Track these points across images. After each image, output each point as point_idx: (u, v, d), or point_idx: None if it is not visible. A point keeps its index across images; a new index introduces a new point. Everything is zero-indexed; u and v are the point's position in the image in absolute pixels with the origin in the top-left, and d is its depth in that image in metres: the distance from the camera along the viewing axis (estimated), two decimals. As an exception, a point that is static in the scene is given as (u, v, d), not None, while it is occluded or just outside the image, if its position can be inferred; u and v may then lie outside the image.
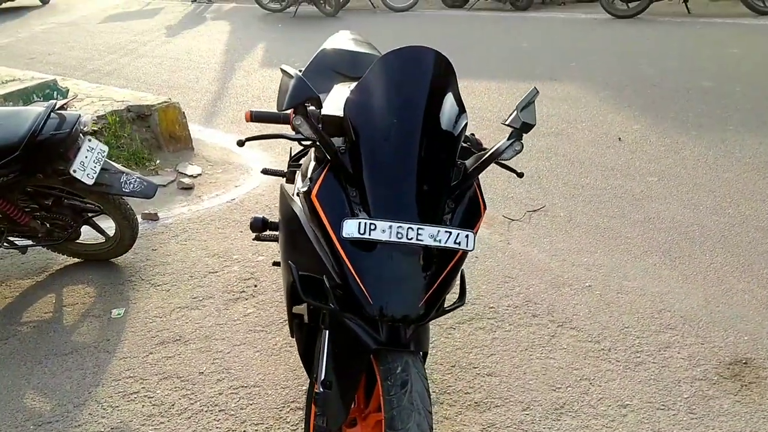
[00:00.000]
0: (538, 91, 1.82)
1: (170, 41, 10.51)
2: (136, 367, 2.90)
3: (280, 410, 2.62)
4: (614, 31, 9.70)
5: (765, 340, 2.91)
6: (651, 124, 5.71)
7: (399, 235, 1.68)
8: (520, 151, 1.80)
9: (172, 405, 2.67)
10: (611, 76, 7.28)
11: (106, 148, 3.29)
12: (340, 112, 1.87)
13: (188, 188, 4.77)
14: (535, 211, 4.22)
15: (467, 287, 2.00)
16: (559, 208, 4.25)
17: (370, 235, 1.68)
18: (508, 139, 1.78)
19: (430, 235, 1.70)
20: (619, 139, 5.39)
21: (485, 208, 1.90)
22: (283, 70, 1.84)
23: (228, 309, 3.29)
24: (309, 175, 1.90)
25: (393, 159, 1.78)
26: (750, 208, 4.11)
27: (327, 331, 1.88)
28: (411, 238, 1.69)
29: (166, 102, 5.43)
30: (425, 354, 1.93)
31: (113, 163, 3.40)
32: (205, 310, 3.28)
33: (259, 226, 2.55)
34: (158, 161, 5.17)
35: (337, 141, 1.85)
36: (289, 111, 1.77)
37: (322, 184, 1.80)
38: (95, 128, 4.81)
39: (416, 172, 1.76)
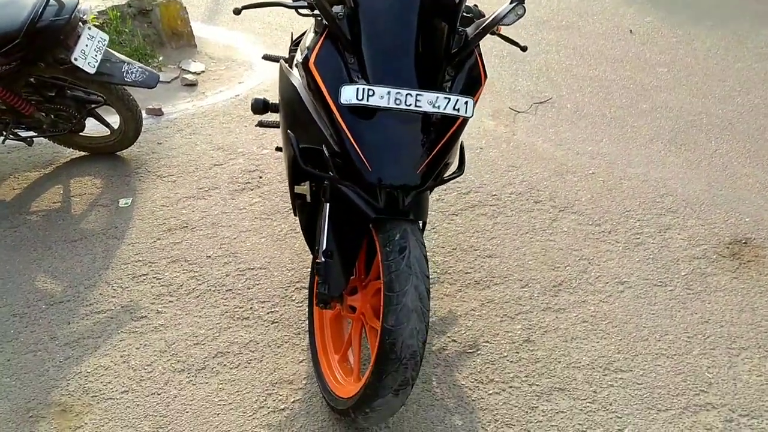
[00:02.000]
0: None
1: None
2: (144, 251, 2.96)
3: (286, 289, 2.69)
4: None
5: (766, 221, 2.93)
6: (663, 16, 5.55)
7: (398, 102, 1.67)
8: (522, 15, 1.75)
9: (181, 285, 2.74)
10: (625, -32, 7.03)
11: (106, 37, 3.24)
12: None
13: (192, 84, 4.72)
14: (541, 102, 4.17)
15: (466, 159, 2.01)
16: (566, 99, 4.19)
17: (368, 101, 1.66)
18: (510, 3, 1.73)
19: (429, 102, 1.69)
20: (630, 31, 5.26)
21: (486, 77, 1.88)
22: None
23: (234, 199, 3.32)
24: (307, 45, 1.87)
25: (392, 25, 1.75)
26: (759, 96, 4.05)
27: (328, 204, 1.90)
28: (410, 105, 1.68)
29: (166, -4, 5.29)
30: (424, 224, 1.95)
31: (114, 52, 3.36)
32: (211, 200, 3.31)
33: (260, 107, 2.54)
34: (161, 58, 5.09)
35: (336, 9, 1.81)
36: (287, -24, 1.72)
37: (319, 52, 1.77)
38: (96, 23, 4.72)
39: (416, 38, 1.73)
